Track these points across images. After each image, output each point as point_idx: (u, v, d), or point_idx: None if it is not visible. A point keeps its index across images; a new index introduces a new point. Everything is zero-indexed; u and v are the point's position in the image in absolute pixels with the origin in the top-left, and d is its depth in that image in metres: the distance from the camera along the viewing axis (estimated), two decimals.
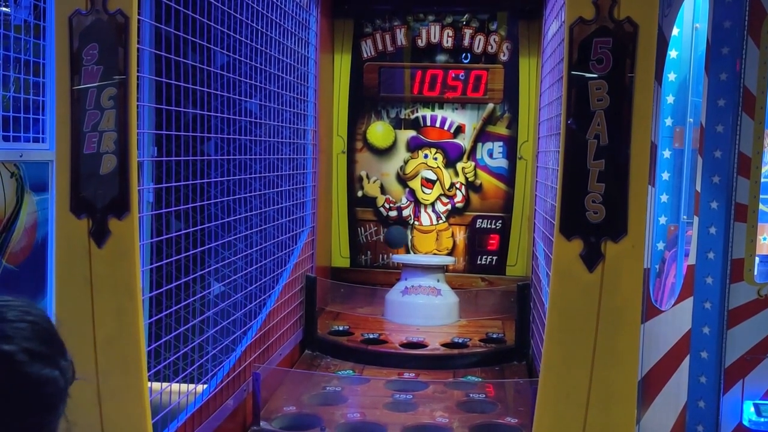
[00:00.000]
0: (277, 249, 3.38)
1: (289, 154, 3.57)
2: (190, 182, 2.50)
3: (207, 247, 2.63)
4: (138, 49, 2.54)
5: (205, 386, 2.57)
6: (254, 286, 3.08)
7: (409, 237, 4.41)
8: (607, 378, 1.66)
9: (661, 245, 3.71)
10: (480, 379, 3.38)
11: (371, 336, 3.77)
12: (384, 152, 4.41)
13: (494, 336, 3.77)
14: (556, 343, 1.72)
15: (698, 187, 3.00)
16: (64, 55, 1.72)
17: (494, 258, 4.37)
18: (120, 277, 1.76)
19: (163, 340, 2.18)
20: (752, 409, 2.85)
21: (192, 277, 2.40)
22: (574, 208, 1.63)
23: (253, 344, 2.99)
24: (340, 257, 4.45)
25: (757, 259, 3.14)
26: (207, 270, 2.58)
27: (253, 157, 3.21)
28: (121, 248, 1.74)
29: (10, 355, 0.93)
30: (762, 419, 2.83)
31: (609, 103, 1.59)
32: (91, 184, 1.73)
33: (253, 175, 3.20)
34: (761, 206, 3.42)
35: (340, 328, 3.86)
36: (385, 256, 4.44)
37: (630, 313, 1.65)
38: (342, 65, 4.36)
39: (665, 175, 3.69)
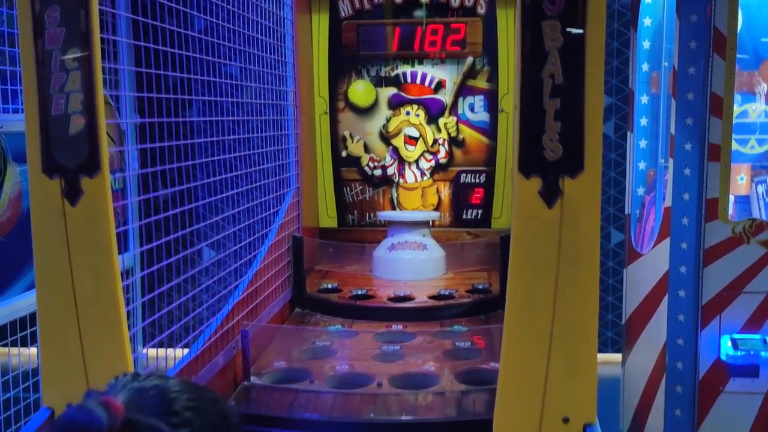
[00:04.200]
0: (262, 209, 3.43)
1: (271, 116, 3.60)
2: (174, 143, 2.53)
3: (193, 206, 2.67)
4: (115, 14, 2.57)
5: (194, 343, 2.64)
6: (239, 245, 3.13)
7: None
8: (570, 312, 1.71)
9: (641, 190, 3.76)
10: (466, 329, 3.46)
11: (360, 292, 3.83)
12: (366, 111, 4.43)
13: (480, 287, 3.84)
14: (520, 280, 1.78)
15: (673, 130, 3.03)
16: (26, 18, 1.74)
17: (479, 211, 4.42)
18: (95, 237, 1.80)
19: (147, 297, 2.24)
20: (729, 343, 2.92)
21: (176, 235, 2.44)
22: (532, 146, 1.67)
23: (241, 302, 3.05)
24: (327, 217, 4.50)
25: (732, 198, 3.19)
26: (194, 228, 2.63)
27: (234, 118, 3.24)
28: (94, 207, 1.79)
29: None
30: (739, 353, 2.90)
31: (563, 42, 1.62)
32: (61, 145, 1.77)
33: (235, 137, 3.24)
34: (738, 146, 3.46)
35: (329, 286, 3.92)
36: (372, 214, 4.48)
37: (589, 247, 1.70)
38: (320, 25, 4.35)
39: (643, 121, 3.72)
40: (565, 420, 1.75)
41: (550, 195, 1.66)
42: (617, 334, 4.69)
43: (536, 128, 1.66)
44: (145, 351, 2.56)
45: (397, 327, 3.50)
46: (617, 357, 4.07)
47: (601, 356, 5.08)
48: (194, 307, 2.78)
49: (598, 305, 1.72)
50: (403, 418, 2.65)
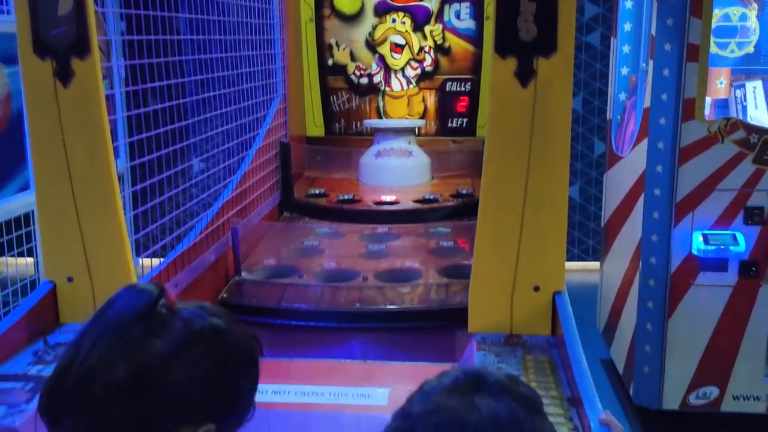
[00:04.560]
0: (249, 113, 3.48)
1: (256, 19, 3.61)
2: (161, 37, 2.55)
3: (181, 101, 2.71)
4: None
5: (185, 237, 2.73)
6: (226, 146, 3.20)
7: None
8: (540, 188, 1.80)
9: (623, 96, 3.81)
10: (449, 229, 3.57)
11: (346, 197, 3.92)
12: (352, 18, 4.42)
13: (464, 192, 3.94)
14: (494, 158, 1.87)
15: (653, 32, 3.07)
16: None
17: (464, 120, 4.48)
18: (88, 118, 1.87)
19: (138, 187, 2.31)
20: (701, 238, 3.04)
21: (165, 129, 2.49)
22: (508, 28, 1.73)
23: (230, 201, 3.14)
24: (314, 126, 4.55)
25: (711, 101, 3.26)
26: (182, 124, 2.67)
27: (220, 18, 3.25)
28: (86, 89, 1.84)
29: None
30: (710, 247, 3.02)
31: None
32: (51, 26, 1.81)
33: (221, 37, 3.25)
34: (718, 50, 3.51)
35: (317, 192, 4.01)
36: (358, 123, 4.54)
37: (561, 126, 1.77)
38: None
39: (627, 26, 3.75)
40: (536, 288, 1.87)
41: (525, 75, 1.73)
42: (599, 242, 4.82)
43: (512, 9, 1.71)
44: (140, 261, 2.64)
45: (383, 229, 3.60)
46: (598, 265, 4.18)
47: (583, 264, 5.28)
48: (185, 204, 2.87)
49: (568, 196, 1.80)
50: (388, 307, 2.78)
